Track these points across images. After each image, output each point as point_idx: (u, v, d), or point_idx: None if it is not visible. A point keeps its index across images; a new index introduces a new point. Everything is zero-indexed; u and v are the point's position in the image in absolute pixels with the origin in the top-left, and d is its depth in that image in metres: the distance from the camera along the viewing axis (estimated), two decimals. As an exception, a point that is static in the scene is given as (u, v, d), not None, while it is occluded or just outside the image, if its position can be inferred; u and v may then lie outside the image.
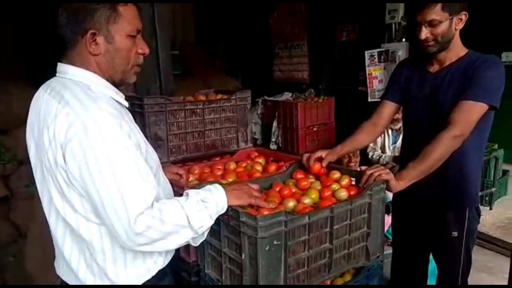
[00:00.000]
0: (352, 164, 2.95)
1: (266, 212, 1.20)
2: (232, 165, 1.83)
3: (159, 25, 2.13)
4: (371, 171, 1.42)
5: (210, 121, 1.91)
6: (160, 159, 1.81)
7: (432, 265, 1.86)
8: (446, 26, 1.51)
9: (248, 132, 2.03)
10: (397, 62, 3.92)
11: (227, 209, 1.15)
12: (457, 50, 1.60)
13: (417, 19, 1.53)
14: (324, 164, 1.61)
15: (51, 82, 1.07)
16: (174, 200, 1.06)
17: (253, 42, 5.56)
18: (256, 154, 1.98)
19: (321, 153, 1.63)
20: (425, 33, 1.53)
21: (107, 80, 1.09)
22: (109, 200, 0.95)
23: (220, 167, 1.81)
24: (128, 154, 0.97)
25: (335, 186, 1.45)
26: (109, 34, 1.04)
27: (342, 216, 1.27)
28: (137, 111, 1.74)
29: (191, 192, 1.10)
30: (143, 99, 1.70)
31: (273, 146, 4.60)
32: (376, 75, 4.11)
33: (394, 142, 3.80)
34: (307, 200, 1.37)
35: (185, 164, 1.87)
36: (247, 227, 1.11)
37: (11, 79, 2.82)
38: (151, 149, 1.15)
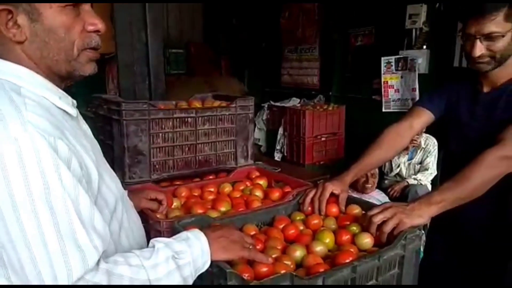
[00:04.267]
0: (369, 185, 2.52)
1: (264, 269, 0.88)
2: (227, 187, 1.52)
3: (150, 17, 1.82)
4: (382, 216, 1.06)
5: (204, 132, 1.59)
6: (140, 178, 1.54)
7: None
8: (508, 40, 1.19)
9: (249, 147, 1.71)
10: (416, 71, 3.64)
11: (210, 264, 0.84)
12: None
13: (469, 31, 1.21)
14: (342, 207, 1.26)
15: None
16: (134, 256, 0.75)
17: (261, 42, 5.26)
18: (257, 173, 1.67)
19: (333, 188, 1.25)
20: (480, 49, 1.20)
21: (48, 77, 0.78)
22: (30, 260, 0.64)
23: (212, 189, 1.50)
24: (63, 190, 0.66)
25: (355, 228, 1.13)
26: (32, 9, 0.72)
27: (367, 275, 0.95)
28: (114, 118, 1.43)
29: (159, 243, 0.78)
30: (121, 104, 1.38)
31: (277, 155, 4.34)
32: (392, 84, 3.81)
33: (411, 158, 3.48)
34: (319, 247, 1.04)
35: (172, 183, 1.56)
36: (236, 294, 0.80)
37: None
38: (108, 176, 0.84)
